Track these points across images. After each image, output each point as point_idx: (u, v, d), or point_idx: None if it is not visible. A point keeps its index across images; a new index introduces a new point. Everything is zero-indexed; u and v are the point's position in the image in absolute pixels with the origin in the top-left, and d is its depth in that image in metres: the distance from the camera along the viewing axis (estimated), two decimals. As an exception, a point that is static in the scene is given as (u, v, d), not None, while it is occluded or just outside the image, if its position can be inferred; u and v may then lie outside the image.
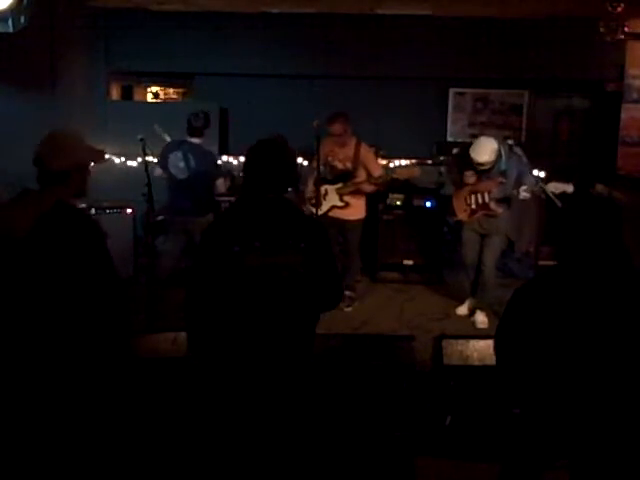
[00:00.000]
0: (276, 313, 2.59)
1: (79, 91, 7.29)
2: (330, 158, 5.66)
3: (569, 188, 5.14)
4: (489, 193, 5.30)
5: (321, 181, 5.62)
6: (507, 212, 5.42)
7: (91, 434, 2.70)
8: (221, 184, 5.75)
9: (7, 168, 5.06)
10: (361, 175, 5.61)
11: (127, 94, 9.02)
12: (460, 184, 5.46)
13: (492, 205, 5.32)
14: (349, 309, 5.84)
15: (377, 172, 5.62)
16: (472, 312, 5.69)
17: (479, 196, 5.36)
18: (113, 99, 8.50)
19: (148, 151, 5.11)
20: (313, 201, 5.66)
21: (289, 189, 2.80)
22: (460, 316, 5.79)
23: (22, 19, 4.55)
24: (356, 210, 5.68)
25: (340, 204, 5.57)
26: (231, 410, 2.64)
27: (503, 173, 5.23)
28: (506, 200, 5.35)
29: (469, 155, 5.17)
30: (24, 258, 2.57)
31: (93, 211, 6.03)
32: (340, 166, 5.64)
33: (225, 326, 2.60)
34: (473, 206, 5.40)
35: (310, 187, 5.72)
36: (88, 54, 7.65)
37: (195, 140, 5.61)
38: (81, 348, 2.60)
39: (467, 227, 5.57)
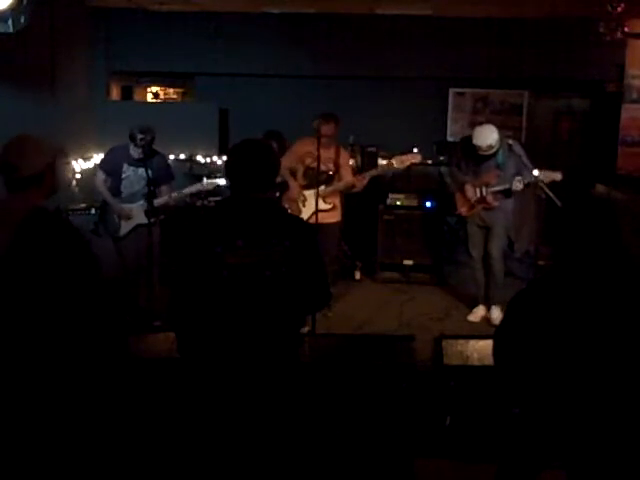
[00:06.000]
0: (259, 312, 2.58)
1: (79, 91, 7.29)
2: (309, 160, 5.50)
3: (557, 176, 5.20)
4: (486, 186, 5.40)
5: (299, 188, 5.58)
6: (507, 204, 5.49)
7: (89, 435, 2.69)
8: None
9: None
10: (342, 177, 5.59)
11: (127, 94, 9.03)
12: (460, 182, 5.55)
13: (489, 198, 5.41)
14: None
15: (347, 178, 5.59)
16: (487, 309, 5.72)
17: (477, 190, 5.46)
18: (113, 99, 8.51)
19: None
20: (289, 207, 5.52)
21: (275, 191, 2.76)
22: (461, 317, 5.78)
23: (22, 19, 4.56)
24: (338, 212, 5.62)
25: (327, 207, 5.42)
26: (218, 410, 2.63)
27: (500, 166, 5.35)
28: (505, 193, 5.42)
29: (471, 145, 5.28)
30: (5, 275, 2.44)
31: (93, 211, 6.03)
32: (322, 168, 5.47)
33: (210, 326, 2.60)
34: (472, 200, 5.50)
35: (294, 191, 5.58)
36: (88, 54, 7.65)
37: None
38: (76, 357, 2.54)
39: (470, 223, 5.67)
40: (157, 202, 5.03)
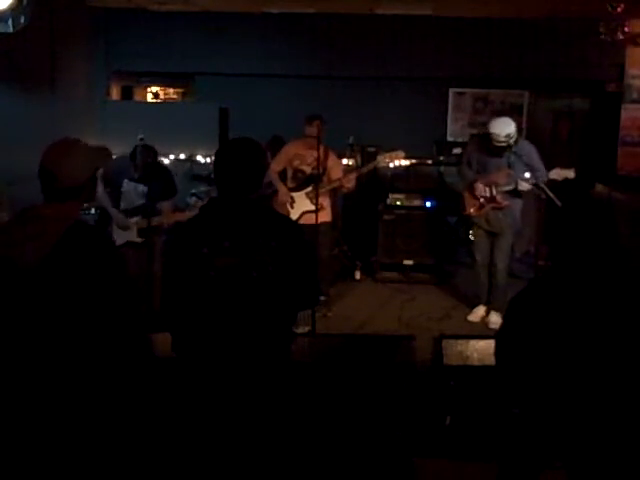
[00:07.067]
0: (247, 311, 2.59)
1: (79, 91, 7.30)
2: (297, 162, 5.56)
3: (570, 174, 5.21)
4: (496, 186, 5.38)
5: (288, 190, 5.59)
6: (517, 206, 5.48)
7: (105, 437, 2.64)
8: None
9: (7, 168, 5.07)
10: (330, 178, 5.56)
11: (127, 94, 9.02)
12: (469, 179, 5.53)
13: (499, 198, 5.39)
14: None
15: (336, 176, 5.58)
16: (487, 312, 5.70)
17: (487, 189, 5.44)
18: (113, 99, 8.50)
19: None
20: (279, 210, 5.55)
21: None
22: (461, 317, 5.78)
23: (22, 19, 4.57)
24: (327, 212, 5.61)
25: (314, 207, 5.34)
26: (209, 408, 2.64)
27: (510, 165, 5.34)
28: (515, 193, 5.40)
29: (485, 141, 5.31)
30: (38, 291, 2.32)
31: (93, 211, 6.02)
32: (309, 170, 5.50)
33: (200, 326, 2.61)
34: (481, 200, 5.47)
35: (282, 195, 5.59)
36: (88, 54, 7.65)
37: None
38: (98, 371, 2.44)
39: (476, 226, 5.65)
40: (153, 220, 4.99)
